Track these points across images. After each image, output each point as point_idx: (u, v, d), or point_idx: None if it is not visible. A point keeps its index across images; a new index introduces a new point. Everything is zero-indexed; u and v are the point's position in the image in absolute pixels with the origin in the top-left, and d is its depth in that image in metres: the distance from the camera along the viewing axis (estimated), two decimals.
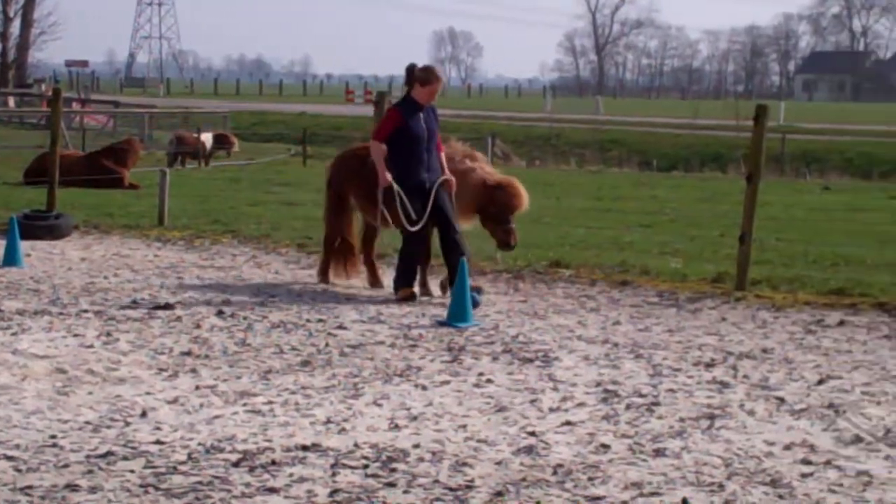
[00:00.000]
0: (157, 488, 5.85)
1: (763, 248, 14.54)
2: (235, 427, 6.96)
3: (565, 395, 7.86)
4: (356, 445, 6.63)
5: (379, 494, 5.84)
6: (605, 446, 6.74)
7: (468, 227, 11.88)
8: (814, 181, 34.45)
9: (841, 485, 6.17)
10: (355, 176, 11.85)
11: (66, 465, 6.17)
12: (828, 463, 6.52)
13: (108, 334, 9.44)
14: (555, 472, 6.25)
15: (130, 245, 15.01)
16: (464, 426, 7.10)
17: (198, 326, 9.87)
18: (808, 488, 6.10)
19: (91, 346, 9.00)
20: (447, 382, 8.17)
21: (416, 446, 6.65)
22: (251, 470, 6.17)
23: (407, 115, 11.26)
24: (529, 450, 6.64)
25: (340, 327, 10.00)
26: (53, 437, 6.67)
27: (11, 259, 12.98)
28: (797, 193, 26.68)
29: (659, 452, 6.64)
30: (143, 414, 7.21)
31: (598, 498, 5.89)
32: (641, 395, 7.91)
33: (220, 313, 10.42)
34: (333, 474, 6.13)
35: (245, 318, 10.24)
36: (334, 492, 5.87)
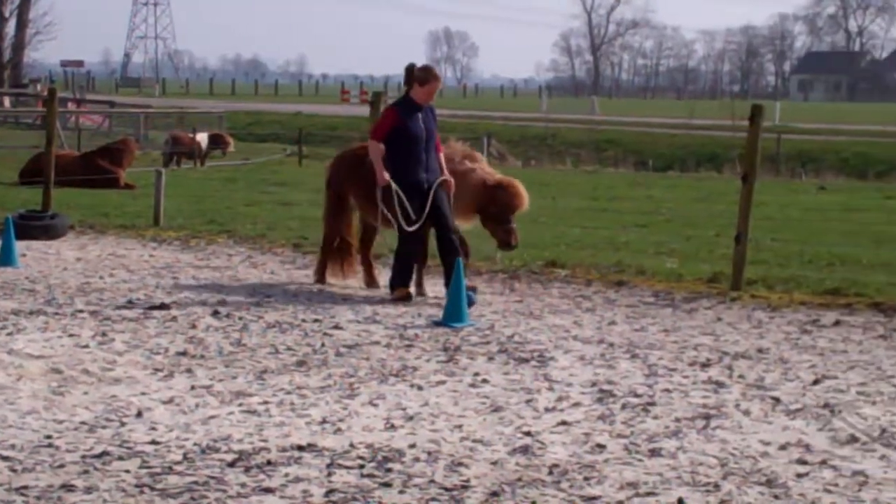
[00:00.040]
0: (152, 488, 5.84)
1: (759, 248, 14.54)
2: (231, 427, 6.96)
3: (561, 395, 7.87)
4: (352, 445, 6.63)
5: (374, 494, 5.84)
6: (601, 446, 6.74)
7: (469, 227, 11.87)
8: (809, 181, 34.47)
9: (836, 485, 6.17)
10: (355, 176, 11.83)
11: (61, 466, 6.16)
12: (823, 463, 6.53)
13: (104, 334, 9.43)
14: (550, 472, 6.25)
15: (126, 245, 15.01)
16: (459, 426, 7.10)
17: (193, 326, 9.87)
18: (804, 488, 6.10)
19: (86, 347, 8.99)
20: (443, 382, 8.16)
21: (412, 446, 6.65)
22: (247, 470, 6.16)
23: (405, 115, 11.25)
24: (525, 450, 6.64)
25: (336, 327, 10.00)
26: (49, 437, 6.67)
27: (7, 259, 12.97)
28: (793, 193, 26.69)
29: (654, 452, 6.64)
30: (139, 414, 7.20)
31: (594, 498, 5.89)
32: (637, 395, 7.91)
33: (215, 313, 10.41)
34: (329, 474, 6.13)
35: (241, 319, 10.24)
36: (330, 492, 5.87)
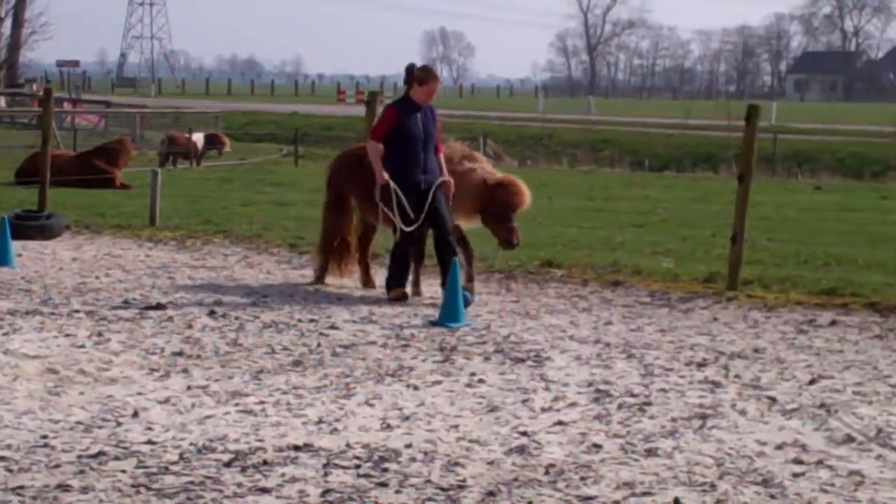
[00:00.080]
0: (148, 488, 5.84)
1: (755, 248, 14.55)
2: (227, 427, 6.95)
3: (557, 395, 7.87)
4: (348, 445, 6.63)
5: (371, 494, 5.84)
6: (597, 446, 6.74)
7: (471, 226, 11.84)
8: (805, 181, 34.50)
9: (832, 484, 6.17)
10: (355, 176, 11.81)
11: (57, 466, 6.16)
12: (819, 463, 6.53)
13: (100, 334, 9.42)
14: (547, 472, 6.25)
15: (122, 245, 15.00)
16: (456, 426, 7.10)
17: (189, 326, 9.86)
18: (800, 488, 6.10)
19: (82, 347, 8.98)
20: (439, 382, 8.16)
21: (408, 446, 6.65)
22: (243, 470, 6.16)
23: (403, 115, 11.24)
24: (521, 450, 6.64)
25: (332, 327, 10.00)
26: (45, 437, 6.66)
27: (2, 259, 12.96)
28: (789, 193, 26.71)
29: (651, 452, 6.64)
30: (135, 414, 7.20)
31: (590, 498, 5.89)
32: (633, 395, 7.91)
33: (211, 313, 10.41)
34: (325, 474, 6.13)
35: (237, 319, 10.24)
36: (326, 492, 5.86)
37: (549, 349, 9.27)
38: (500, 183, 11.53)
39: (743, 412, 7.55)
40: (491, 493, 5.89)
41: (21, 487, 5.80)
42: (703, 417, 7.40)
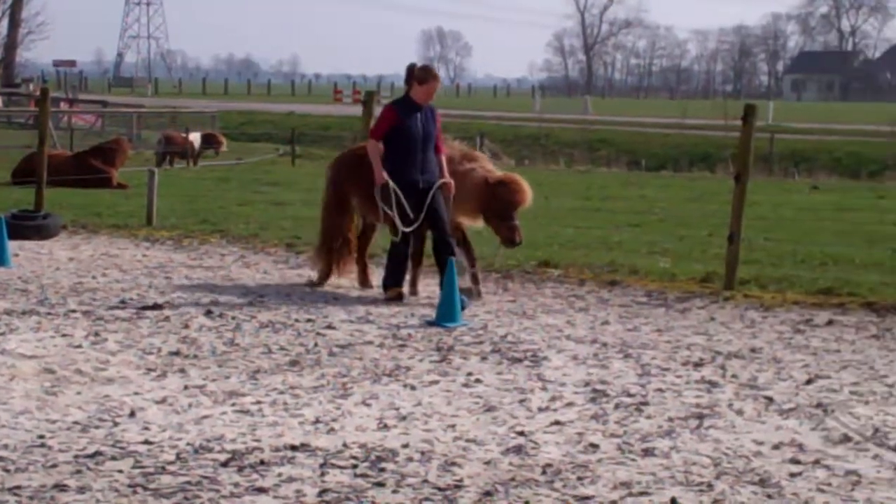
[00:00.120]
0: (145, 488, 5.84)
1: (751, 247, 14.55)
2: (224, 427, 6.95)
3: (554, 395, 7.87)
4: (345, 445, 6.63)
5: (368, 494, 5.84)
6: (594, 446, 6.74)
7: (474, 226, 11.83)
8: (802, 181, 34.49)
9: (829, 484, 6.17)
10: (356, 175, 11.79)
11: (54, 466, 6.15)
12: (816, 462, 6.53)
13: (97, 334, 9.42)
14: (544, 472, 6.25)
15: (119, 245, 14.99)
16: (453, 426, 7.10)
17: (186, 326, 9.86)
18: (797, 488, 6.11)
19: (79, 346, 8.98)
20: (436, 382, 8.16)
21: (405, 446, 6.65)
22: (240, 470, 6.16)
23: (403, 114, 11.22)
24: (518, 449, 6.64)
25: (329, 327, 10.00)
26: (42, 437, 6.66)
27: None
28: (785, 193, 26.71)
29: (648, 452, 6.64)
30: (132, 414, 7.19)
31: (587, 498, 5.89)
32: (630, 395, 7.91)
33: (208, 313, 10.40)
34: (322, 474, 6.12)
35: (234, 318, 10.23)
36: (323, 491, 5.86)
37: (545, 349, 9.28)
38: (501, 181, 11.53)
39: (740, 412, 7.56)
40: (488, 493, 5.89)
41: (18, 487, 5.80)
42: (700, 417, 7.40)
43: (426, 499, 5.82)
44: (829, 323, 10.59)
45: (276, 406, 7.46)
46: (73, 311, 10.39)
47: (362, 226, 12.27)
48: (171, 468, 6.16)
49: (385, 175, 11.15)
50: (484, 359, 8.92)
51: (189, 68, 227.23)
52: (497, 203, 11.42)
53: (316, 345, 9.28)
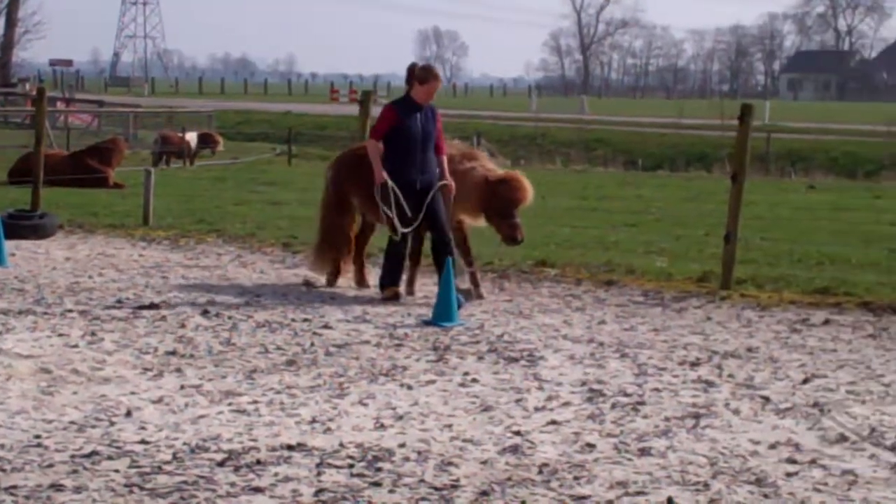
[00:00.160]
0: (141, 488, 5.83)
1: (748, 247, 14.56)
2: (220, 427, 6.95)
3: (551, 395, 7.87)
4: (341, 445, 6.63)
5: (364, 494, 5.84)
6: (591, 445, 6.74)
7: (476, 224, 11.82)
8: (799, 180, 34.51)
9: (826, 484, 6.18)
10: (356, 175, 11.77)
11: (50, 465, 6.15)
12: (813, 462, 6.53)
13: (93, 334, 9.41)
14: (540, 472, 6.25)
15: (115, 244, 14.98)
16: (449, 426, 7.10)
17: (183, 326, 9.86)
18: (793, 487, 6.11)
19: (76, 346, 8.97)
20: (433, 382, 8.16)
21: (402, 446, 6.65)
22: (236, 469, 6.16)
23: (403, 114, 11.20)
24: (515, 449, 6.64)
25: (326, 327, 9.99)
26: (38, 436, 6.65)
27: None
28: (782, 193, 26.72)
29: (644, 451, 6.64)
30: (128, 413, 7.19)
31: (584, 497, 5.89)
32: (627, 395, 7.91)
33: (205, 313, 10.40)
34: (319, 474, 6.12)
35: (230, 318, 10.23)
36: (319, 491, 5.86)
37: (542, 348, 9.28)
38: (502, 179, 11.53)
39: (736, 411, 7.56)
40: (484, 493, 5.89)
41: (14, 487, 5.79)
42: (697, 417, 7.40)
43: (423, 498, 5.82)
44: (826, 322, 10.60)
45: (273, 406, 7.46)
46: (70, 310, 10.38)
47: (360, 225, 12.26)
48: (168, 468, 6.15)
49: (384, 175, 11.15)
50: (480, 358, 8.92)
51: (185, 68, 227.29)
52: (498, 201, 11.42)
53: (312, 344, 9.28)
